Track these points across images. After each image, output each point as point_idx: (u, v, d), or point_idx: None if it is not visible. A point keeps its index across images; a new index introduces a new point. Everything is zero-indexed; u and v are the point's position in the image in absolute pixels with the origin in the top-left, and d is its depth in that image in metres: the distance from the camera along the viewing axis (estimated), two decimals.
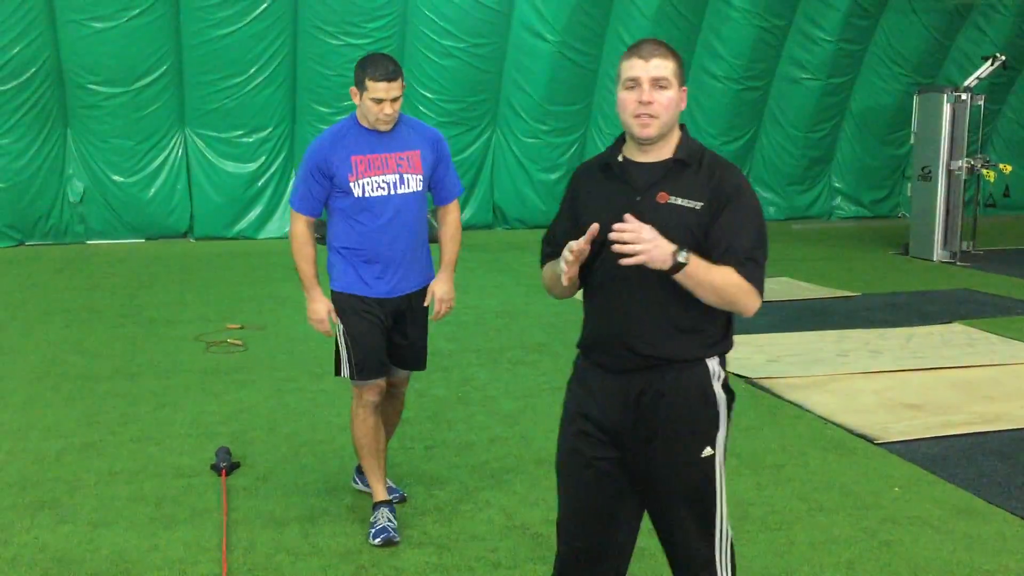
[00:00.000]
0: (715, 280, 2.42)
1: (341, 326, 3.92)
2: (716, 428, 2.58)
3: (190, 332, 7.31)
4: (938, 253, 11.34)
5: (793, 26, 13.90)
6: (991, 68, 11.68)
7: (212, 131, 12.29)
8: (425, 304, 4.02)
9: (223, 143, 12.35)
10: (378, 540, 3.81)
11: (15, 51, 11.04)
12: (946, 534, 3.96)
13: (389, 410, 4.21)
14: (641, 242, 2.32)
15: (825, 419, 5.39)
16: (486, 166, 13.34)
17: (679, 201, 2.48)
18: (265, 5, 11.66)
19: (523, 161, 13.39)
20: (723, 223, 2.47)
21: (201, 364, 6.45)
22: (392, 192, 3.81)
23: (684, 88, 2.55)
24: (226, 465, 4.52)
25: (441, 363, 6.38)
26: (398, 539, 3.83)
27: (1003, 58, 11.72)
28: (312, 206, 3.88)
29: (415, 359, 4.12)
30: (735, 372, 6.27)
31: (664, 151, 2.54)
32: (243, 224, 12.57)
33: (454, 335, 7.18)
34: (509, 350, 6.82)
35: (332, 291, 3.94)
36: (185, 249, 11.75)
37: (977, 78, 11.60)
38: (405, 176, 3.82)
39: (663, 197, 2.49)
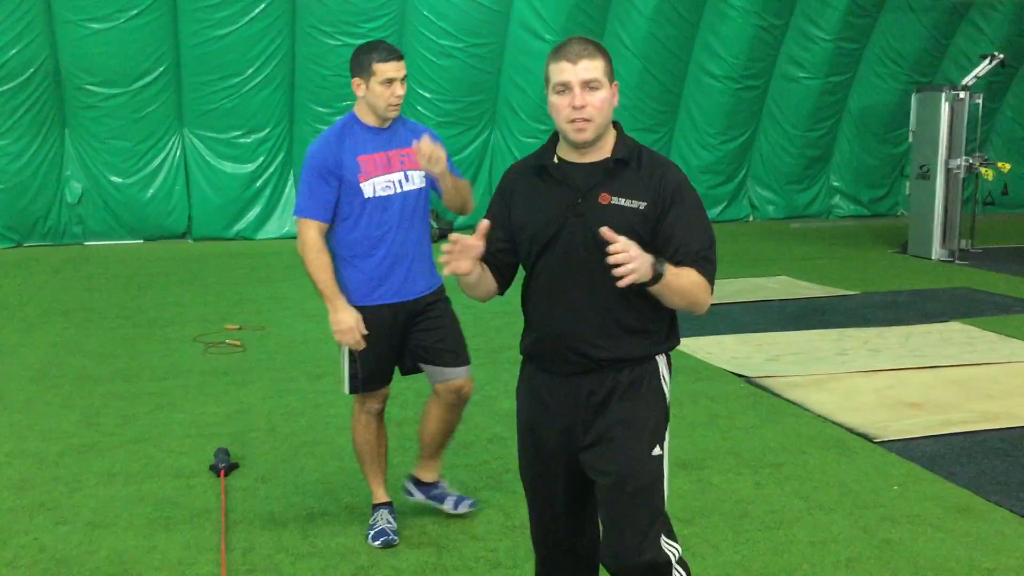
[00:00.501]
0: (684, 284, 2.41)
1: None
2: (664, 426, 2.58)
3: (189, 333, 7.31)
4: (937, 252, 11.33)
5: (791, 25, 13.91)
6: (989, 66, 11.68)
7: (210, 132, 12.28)
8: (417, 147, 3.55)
9: (221, 143, 12.35)
10: (377, 542, 3.81)
11: (13, 52, 11.04)
12: (946, 532, 3.96)
13: (453, 417, 3.97)
14: (632, 260, 2.26)
15: (824, 418, 5.39)
16: (484, 166, 13.35)
17: (622, 201, 2.45)
18: (263, 5, 11.66)
19: None
20: (671, 223, 2.45)
21: (200, 365, 6.44)
22: (398, 190, 3.72)
23: (615, 83, 2.50)
24: (225, 466, 4.51)
25: None
26: (397, 541, 3.83)
27: (1001, 56, 11.72)
28: (322, 210, 3.68)
29: (455, 356, 3.85)
30: (734, 371, 6.27)
31: (602, 151, 2.51)
32: (242, 224, 12.57)
33: None
34: (508, 349, 6.81)
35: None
36: (184, 250, 11.74)
37: (975, 76, 11.60)
38: (409, 173, 3.74)
39: (605, 198, 2.45)
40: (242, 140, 12.39)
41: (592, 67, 2.42)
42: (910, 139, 11.94)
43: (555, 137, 2.59)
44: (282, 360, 6.56)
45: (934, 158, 11.27)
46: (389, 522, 3.88)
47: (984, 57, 11.91)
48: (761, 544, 3.85)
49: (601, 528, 2.60)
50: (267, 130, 12.42)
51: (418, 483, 4.09)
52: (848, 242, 12.71)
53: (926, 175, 11.38)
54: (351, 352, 3.77)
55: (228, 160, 12.42)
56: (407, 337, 3.85)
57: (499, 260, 2.64)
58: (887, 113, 14.97)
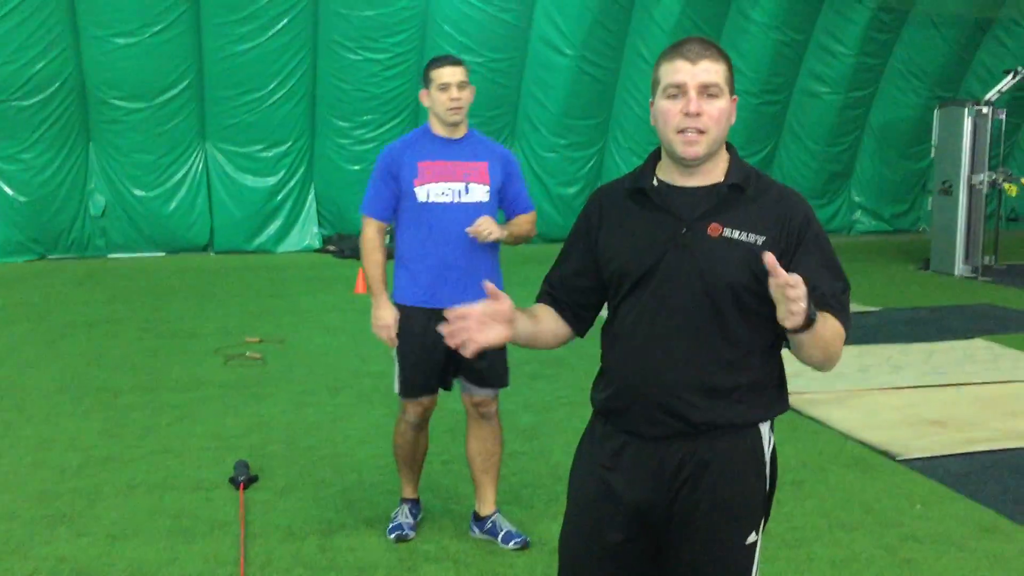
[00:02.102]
0: (828, 334, 2.00)
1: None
2: (762, 509, 2.19)
3: (210, 345, 7.34)
4: (959, 268, 11.25)
5: (812, 40, 13.90)
6: (1012, 82, 11.63)
7: (232, 145, 12.38)
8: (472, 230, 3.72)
9: (243, 157, 12.45)
10: (392, 536, 3.93)
11: (39, 67, 11.17)
12: (969, 552, 3.92)
13: (486, 435, 4.00)
14: (799, 299, 1.84)
15: (846, 435, 5.34)
16: None
17: (735, 234, 2.05)
18: (285, 21, 11.76)
19: (541, 175, 13.41)
20: (803, 265, 2.03)
21: (220, 377, 6.47)
22: (456, 200, 3.77)
23: (735, 97, 2.12)
24: (244, 478, 4.52)
25: None
26: (411, 535, 3.94)
27: None
28: (380, 209, 3.84)
29: (490, 376, 3.90)
30: None
31: (713, 174, 2.11)
32: (263, 237, 12.65)
33: None
34: (526, 364, 6.80)
35: (393, 303, 3.88)
36: (205, 262, 11.81)
37: (998, 92, 11.55)
38: (471, 185, 3.80)
39: (715, 229, 2.06)
40: (264, 154, 12.48)
41: (714, 70, 2.04)
42: (932, 154, 11.89)
43: (654, 156, 2.21)
44: (302, 373, 6.58)
45: (957, 174, 11.21)
46: (407, 517, 4.00)
47: (1007, 72, 11.86)
48: (782, 562, 3.82)
49: None
50: (288, 144, 12.51)
51: (476, 518, 4.08)
52: (869, 258, 12.64)
53: (948, 191, 11.31)
54: (397, 352, 3.87)
55: (250, 173, 12.51)
56: (453, 351, 3.82)
57: (576, 300, 2.28)
58: (909, 128, 14.92)
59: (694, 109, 2.03)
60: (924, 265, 11.79)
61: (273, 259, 12.14)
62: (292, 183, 12.68)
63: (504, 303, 2.07)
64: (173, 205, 12.26)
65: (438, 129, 3.84)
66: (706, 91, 2.04)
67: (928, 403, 5.94)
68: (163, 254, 12.31)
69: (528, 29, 12.58)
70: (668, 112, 2.07)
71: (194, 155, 12.29)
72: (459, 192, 3.77)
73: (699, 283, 2.05)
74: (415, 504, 4.08)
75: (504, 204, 3.96)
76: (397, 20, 12.03)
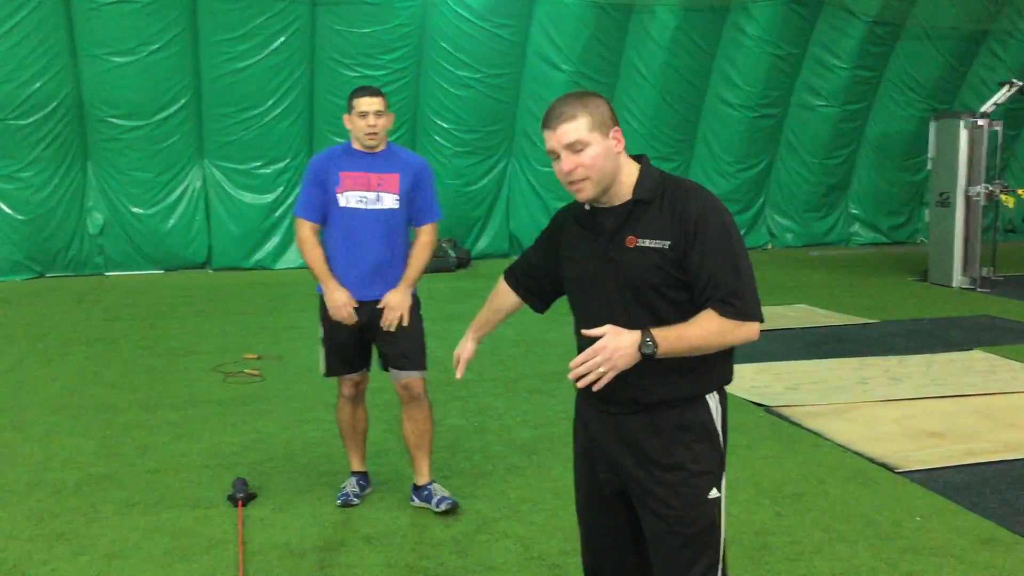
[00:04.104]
0: (694, 342, 2.33)
1: (320, 328, 4.40)
2: (720, 468, 2.50)
3: (208, 363, 7.34)
4: (957, 279, 11.26)
5: (807, 54, 13.94)
6: (1007, 94, 11.66)
7: (230, 163, 12.39)
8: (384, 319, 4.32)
9: (241, 174, 12.46)
10: (339, 501, 4.44)
11: (37, 86, 11.19)
12: (969, 564, 3.91)
13: (416, 415, 4.44)
14: (600, 365, 2.26)
15: (845, 447, 5.34)
16: (502, 195, 13.40)
17: (647, 243, 2.40)
18: (283, 39, 11.79)
19: (539, 189, 13.43)
20: (696, 260, 2.36)
21: (219, 394, 6.46)
22: (369, 207, 4.30)
23: (616, 128, 2.43)
24: (243, 496, 4.51)
25: (458, 392, 6.37)
26: (355, 502, 4.46)
27: (1019, 83, 11.70)
28: (310, 211, 4.35)
29: (405, 361, 4.37)
30: (754, 400, 6.23)
31: (622, 192, 2.46)
32: (261, 254, 12.65)
33: (470, 364, 7.14)
34: (526, 379, 6.80)
35: (318, 294, 4.38)
36: (203, 280, 11.81)
37: (994, 104, 11.58)
38: (382, 195, 4.32)
39: (631, 241, 2.42)
40: (262, 171, 12.50)
41: (571, 129, 2.38)
42: (929, 166, 11.91)
43: None
44: (300, 390, 6.57)
45: (953, 185, 11.23)
46: (354, 487, 4.53)
47: (1002, 84, 11.89)
48: None
49: (653, 571, 2.55)
50: (286, 161, 12.53)
51: (414, 488, 4.54)
52: (867, 270, 12.65)
53: (946, 202, 11.33)
54: (323, 340, 4.41)
55: (248, 190, 12.52)
56: (375, 338, 4.38)
57: (529, 285, 2.83)
58: (905, 140, 14.95)
59: (566, 168, 2.40)
60: (922, 277, 11.80)
61: (271, 276, 12.15)
62: (290, 200, 12.67)
63: (467, 351, 2.98)
64: (171, 223, 12.27)
65: (357, 145, 4.38)
66: (572, 149, 2.39)
67: (927, 415, 5.94)
68: (161, 272, 12.30)
69: (525, 44, 12.62)
70: (556, 171, 2.46)
71: (192, 173, 12.31)
72: (372, 200, 4.30)
73: (627, 288, 2.43)
74: (363, 476, 4.61)
75: (411, 212, 4.41)
76: (394, 37, 12.07)
